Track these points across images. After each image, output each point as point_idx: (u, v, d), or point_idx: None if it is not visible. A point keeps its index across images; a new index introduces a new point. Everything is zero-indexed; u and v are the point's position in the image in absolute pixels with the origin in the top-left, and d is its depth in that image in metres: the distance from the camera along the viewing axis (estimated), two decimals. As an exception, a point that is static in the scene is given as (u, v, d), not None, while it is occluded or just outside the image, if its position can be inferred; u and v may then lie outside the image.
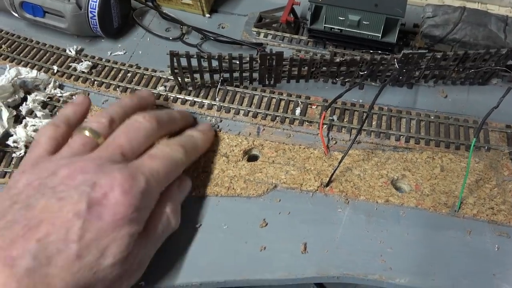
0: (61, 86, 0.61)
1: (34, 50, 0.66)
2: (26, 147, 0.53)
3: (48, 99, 0.59)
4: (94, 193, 0.37)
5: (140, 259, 0.41)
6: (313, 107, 0.58)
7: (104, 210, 0.37)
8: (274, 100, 0.58)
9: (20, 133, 0.54)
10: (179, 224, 0.45)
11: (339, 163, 0.49)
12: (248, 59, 0.55)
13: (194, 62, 0.55)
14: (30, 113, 0.57)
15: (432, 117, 0.56)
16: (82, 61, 0.63)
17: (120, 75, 0.62)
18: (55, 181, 0.38)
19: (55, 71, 0.63)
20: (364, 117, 0.56)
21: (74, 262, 0.35)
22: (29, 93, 0.59)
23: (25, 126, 0.55)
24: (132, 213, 0.38)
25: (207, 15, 0.71)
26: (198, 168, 0.52)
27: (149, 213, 0.41)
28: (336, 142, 0.55)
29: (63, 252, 0.35)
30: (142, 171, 0.41)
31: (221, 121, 0.56)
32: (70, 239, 0.35)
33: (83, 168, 0.39)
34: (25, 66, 0.63)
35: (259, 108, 0.57)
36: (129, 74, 0.62)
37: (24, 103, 0.58)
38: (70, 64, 0.63)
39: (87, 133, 0.44)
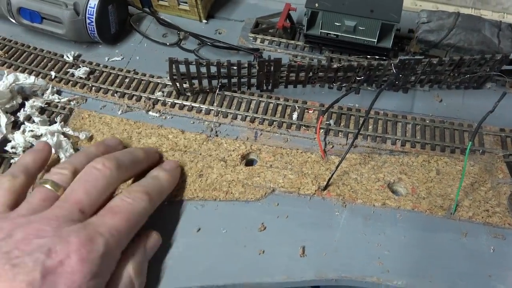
0: (59, 92, 0.61)
1: (32, 56, 0.66)
2: (24, 152, 0.53)
3: (46, 105, 0.59)
4: (49, 261, 0.35)
5: None
6: (310, 112, 0.58)
7: (59, 280, 0.35)
8: (271, 105, 0.59)
9: (18, 139, 0.54)
10: (144, 284, 0.43)
11: (337, 167, 0.50)
12: (246, 65, 0.56)
13: (192, 69, 0.56)
14: (28, 119, 0.57)
15: (428, 121, 0.57)
16: (79, 67, 0.64)
17: (118, 80, 0.62)
18: (9, 245, 0.36)
19: (53, 77, 0.63)
20: (360, 121, 0.57)
21: None
22: (27, 99, 0.59)
23: (23, 131, 0.55)
24: (89, 280, 0.36)
25: (204, 21, 0.72)
26: (195, 173, 0.52)
27: (109, 274, 0.39)
28: (333, 146, 0.55)
29: None
30: (101, 231, 0.39)
31: (219, 125, 0.57)
32: None
33: (39, 232, 0.37)
34: (23, 72, 0.63)
35: (257, 113, 0.58)
36: (127, 80, 0.62)
37: (22, 109, 0.58)
38: (68, 70, 0.64)
39: (48, 186, 0.42)
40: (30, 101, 0.59)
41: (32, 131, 0.55)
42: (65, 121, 0.58)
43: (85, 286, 0.36)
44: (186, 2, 0.70)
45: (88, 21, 0.63)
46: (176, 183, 0.50)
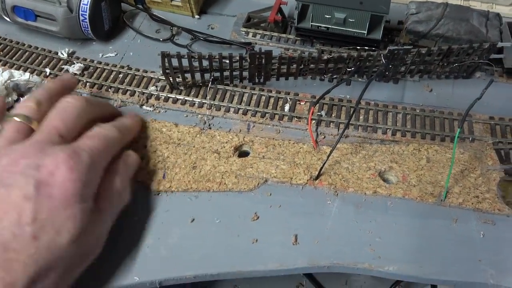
0: (53, 88, 0.62)
1: (27, 53, 0.67)
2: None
3: (41, 101, 0.60)
4: (40, 174, 0.38)
5: (97, 234, 0.42)
6: (301, 103, 0.59)
7: (53, 189, 0.38)
8: (263, 98, 0.60)
9: (14, 135, 0.55)
10: (129, 197, 0.47)
11: (328, 156, 0.50)
12: (238, 58, 0.57)
13: (185, 62, 0.56)
14: (24, 115, 0.58)
15: (418, 111, 0.58)
16: (74, 63, 0.64)
17: (112, 76, 0.63)
18: None
19: (47, 73, 0.63)
20: (351, 112, 0.57)
21: (30, 243, 0.35)
22: (22, 96, 0.60)
23: (19, 127, 0.56)
24: (81, 188, 0.39)
25: (197, 16, 0.73)
26: (189, 165, 0.52)
27: (96, 187, 0.42)
28: (324, 137, 0.56)
29: (18, 236, 0.35)
30: (83, 148, 0.42)
31: (212, 118, 0.58)
32: (24, 222, 0.36)
33: (24, 154, 0.40)
34: (18, 69, 0.64)
35: (249, 105, 0.59)
36: (120, 75, 0.63)
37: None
38: (62, 67, 0.64)
39: (17, 118, 0.45)
40: (25, 97, 0.59)
41: (27, 127, 0.56)
42: (60, 116, 0.58)
43: (77, 193, 0.38)
44: (178, -2, 0.70)
45: (81, 18, 0.63)
46: (138, 128, 0.55)
